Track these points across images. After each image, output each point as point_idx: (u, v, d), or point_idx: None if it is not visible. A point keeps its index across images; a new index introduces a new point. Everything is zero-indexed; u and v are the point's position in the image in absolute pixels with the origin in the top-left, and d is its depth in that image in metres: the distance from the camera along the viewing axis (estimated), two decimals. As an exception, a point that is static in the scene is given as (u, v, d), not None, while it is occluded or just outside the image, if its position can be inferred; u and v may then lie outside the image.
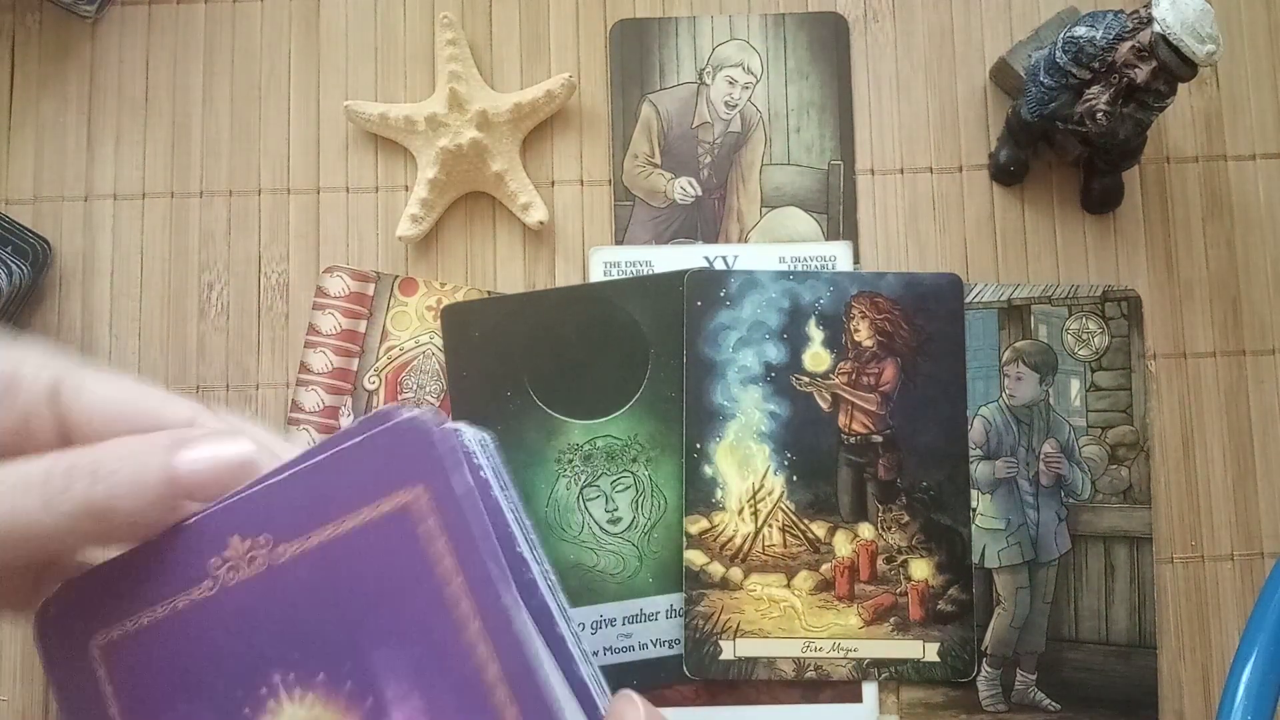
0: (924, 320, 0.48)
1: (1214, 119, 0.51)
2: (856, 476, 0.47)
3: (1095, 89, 0.44)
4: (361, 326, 0.49)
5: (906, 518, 0.47)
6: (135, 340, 0.50)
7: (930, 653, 0.46)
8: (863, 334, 0.48)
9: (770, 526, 0.46)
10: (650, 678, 0.46)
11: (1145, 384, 0.48)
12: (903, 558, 0.47)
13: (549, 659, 0.20)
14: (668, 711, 0.46)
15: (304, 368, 0.49)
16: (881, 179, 0.51)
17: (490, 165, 0.49)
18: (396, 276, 0.50)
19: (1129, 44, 0.43)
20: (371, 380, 0.49)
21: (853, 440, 0.47)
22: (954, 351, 0.48)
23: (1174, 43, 0.41)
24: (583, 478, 0.47)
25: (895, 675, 0.46)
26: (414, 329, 0.49)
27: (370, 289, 0.50)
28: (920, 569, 0.47)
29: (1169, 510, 0.48)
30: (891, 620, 0.46)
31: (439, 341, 0.49)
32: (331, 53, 0.52)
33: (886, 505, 0.47)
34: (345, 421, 0.48)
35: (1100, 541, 0.47)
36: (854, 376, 0.48)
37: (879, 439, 0.47)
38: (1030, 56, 0.48)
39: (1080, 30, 0.44)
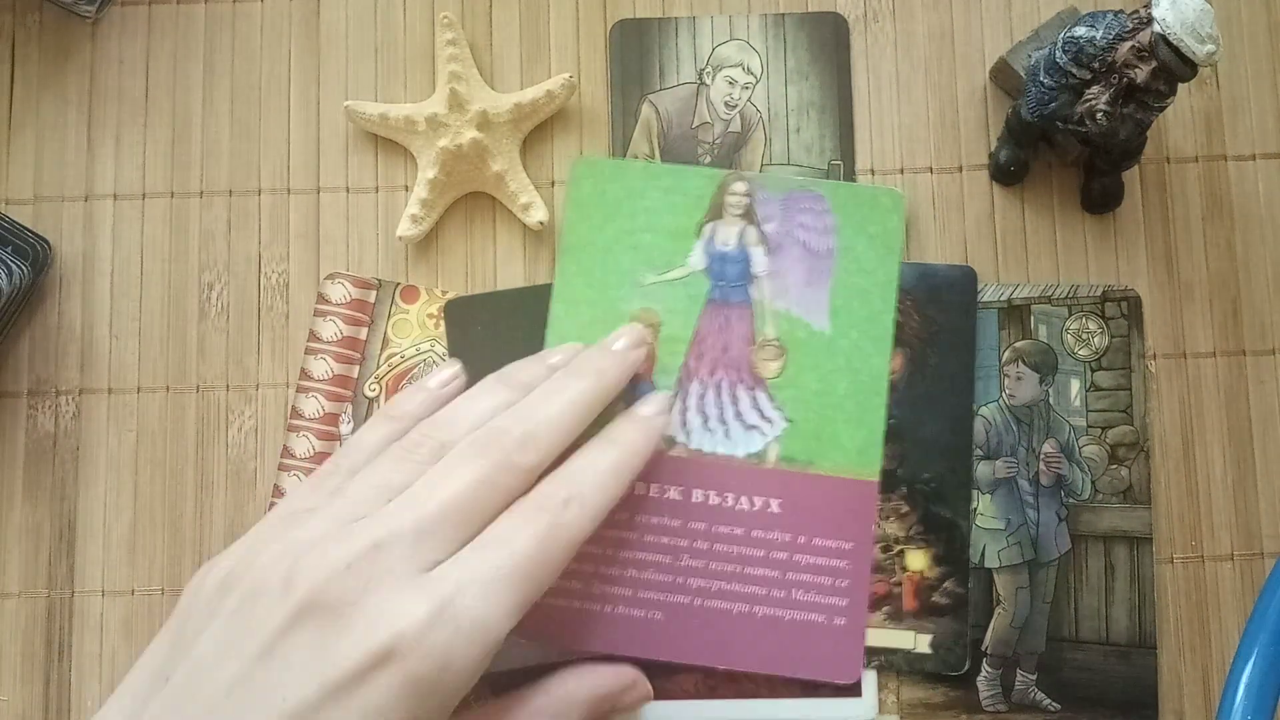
0: (935, 311, 0.48)
1: (1214, 119, 0.51)
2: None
3: (1095, 89, 0.44)
4: (362, 334, 0.49)
5: (906, 508, 0.47)
6: (135, 340, 0.50)
7: (922, 644, 0.46)
8: (865, 331, 0.48)
9: (770, 526, 0.47)
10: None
11: (1145, 384, 0.49)
12: (900, 548, 0.47)
13: None
14: (667, 705, 0.46)
15: (304, 374, 0.49)
16: (881, 179, 0.51)
17: (490, 165, 0.49)
18: (398, 284, 0.50)
19: (1129, 44, 0.43)
20: (372, 387, 0.49)
21: (853, 440, 0.47)
22: (963, 345, 0.48)
23: (1174, 43, 0.41)
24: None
25: (886, 664, 0.46)
26: (415, 336, 0.49)
27: (371, 296, 0.50)
28: (917, 560, 0.47)
29: (1169, 510, 0.48)
30: (884, 609, 0.46)
31: (440, 349, 0.49)
32: (331, 53, 0.52)
33: (886, 495, 0.47)
34: (345, 429, 0.48)
35: (1100, 541, 0.47)
36: (855, 374, 0.48)
37: (880, 437, 0.48)
38: (1030, 56, 0.48)
39: (1080, 30, 0.44)
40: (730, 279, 0.47)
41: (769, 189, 0.48)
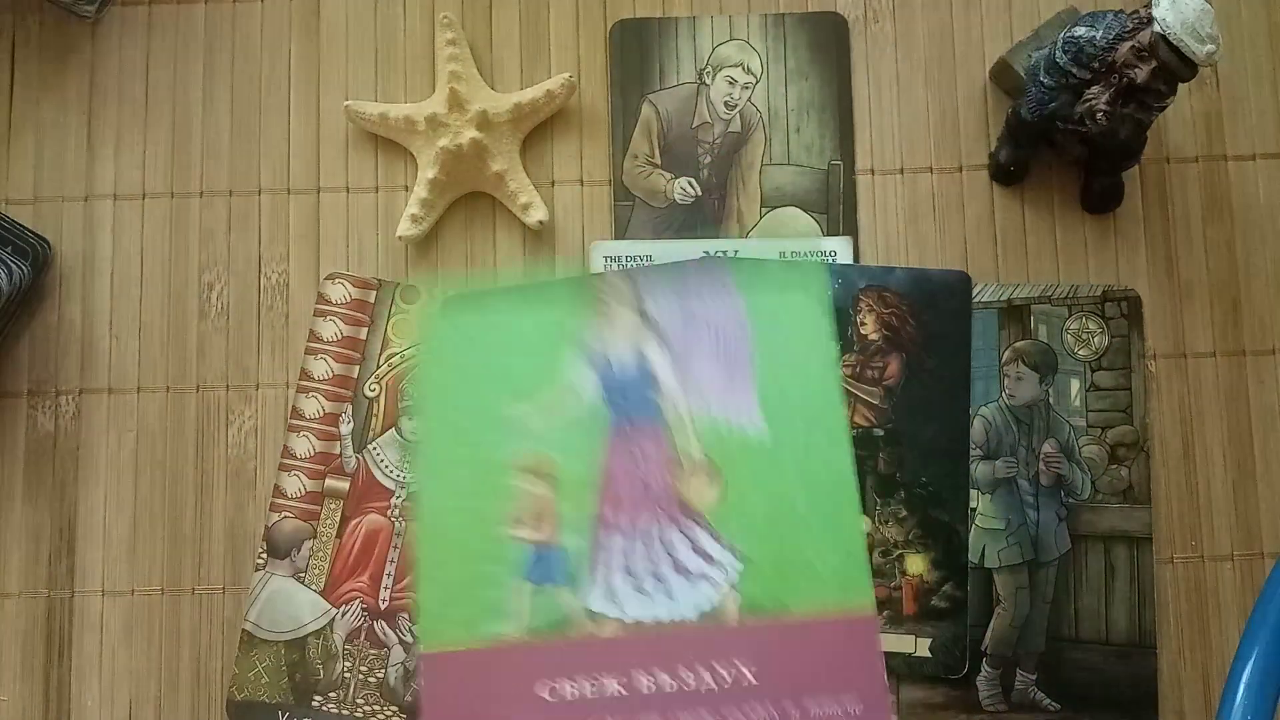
0: (931, 316, 0.48)
1: (1214, 119, 0.51)
2: (856, 469, 0.47)
3: (1095, 89, 0.44)
4: (363, 334, 0.49)
5: (904, 512, 0.47)
6: (135, 340, 0.50)
7: (922, 648, 0.46)
8: (869, 327, 0.48)
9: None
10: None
11: (1145, 384, 0.48)
12: (899, 552, 0.47)
13: None
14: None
15: (304, 374, 0.49)
16: (881, 179, 0.51)
17: (490, 165, 0.49)
18: (398, 284, 0.50)
19: (1129, 44, 0.43)
20: (372, 388, 0.49)
21: (854, 433, 0.47)
22: (959, 349, 0.48)
23: (1174, 43, 0.41)
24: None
25: (887, 668, 0.46)
26: (415, 336, 0.49)
27: (372, 296, 0.50)
28: (915, 564, 0.47)
29: (1169, 510, 0.48)
30: (884, 614, 0.46)
31: (439, 342, 0.49)
32: (331, 53, 0.52)
33: (885, 499, 0.47)
34: (345, 429, 0.48)
35: (1100, 541, 0.47)
36: (858, 369, 0.48)
37: (880, 433, 0.47)
38: (1030, 56, 0.48)
39: (1080, 30, 0.44)
40: (631, 399, 0.37)
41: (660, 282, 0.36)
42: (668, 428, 0.36)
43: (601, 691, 0.34)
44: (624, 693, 0.34)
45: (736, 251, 0.49)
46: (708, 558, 0.36)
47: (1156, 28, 0.41)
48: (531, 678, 0.33)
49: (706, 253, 0.48)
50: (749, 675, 0.34)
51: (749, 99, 0.51)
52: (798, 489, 0.37)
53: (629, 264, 0.45)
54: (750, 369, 0.37)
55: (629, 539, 0.36)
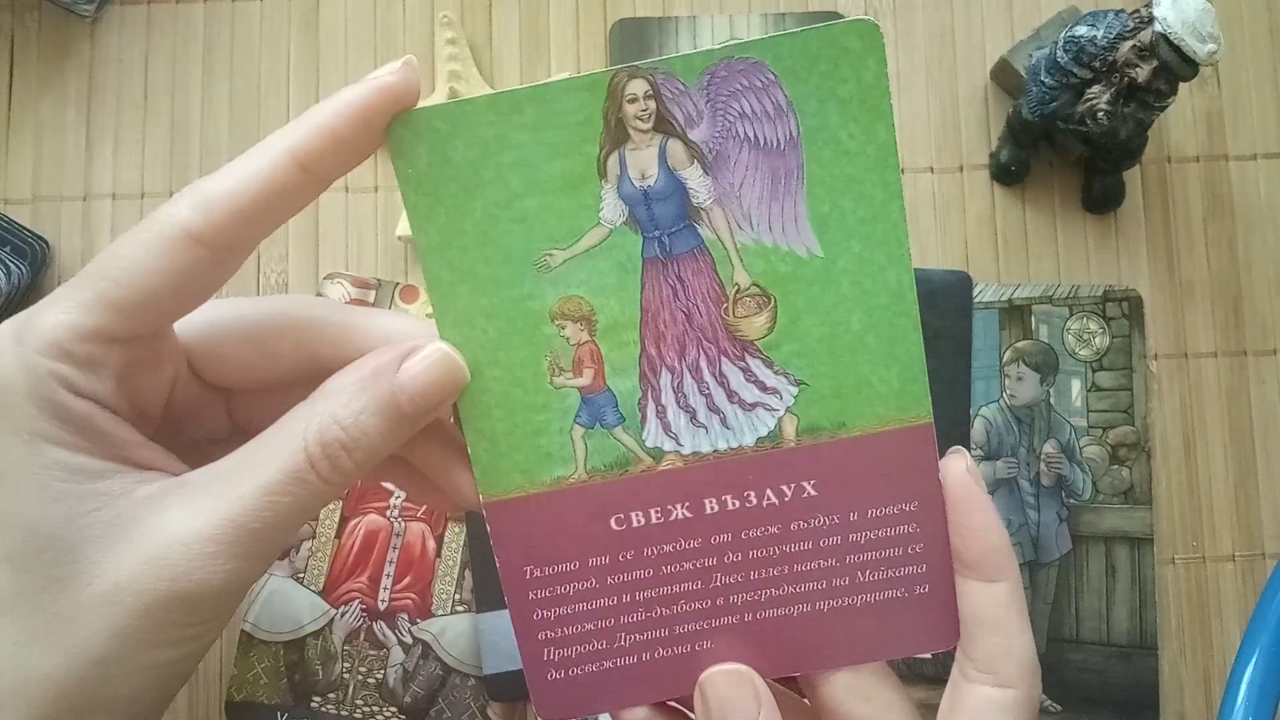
0: (931, 317, 0.48)
1: (1215, 119, 0.51)
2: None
3: (1096, 89, 0.44)
4: (361, 327, 0.49)
5: (907, 517, 0.47)
6: (134, 340, 0.50)
7: None
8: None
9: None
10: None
11: (1146, 384, 0.48)
12: (903, 557, 0.46)
13: None
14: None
15: (303, 368, 0.49)
16: (882, 179, 0.51)
17: (490, 165, 0.49)
18: (398, 284, 0.50)
19: (1130, 43, 0.43)
20: (371, 381, 0.49)
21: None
22: (960, 350, 0.48)
23: (1175, 42, 0.41)
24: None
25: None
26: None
27: (371, 296, 0.49)
28: (920, 569, 0.46)
29: (1170, 511, 0.48)
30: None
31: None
32: (331, 53, 0.52)
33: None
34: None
35: (1101, 542, 0.47)
36: (855, 376, 0.48)
37: (879, 439, 0.47)
38: (1031, 56, 0.47)
39: (1081, 30, 0.44)
40: (666, 223, 0.34)
41: (680, 77, 0.33)
42: (710, 254, 0.35)
43: (668, 517, 0.36)
44: (690, 515, 0.36)
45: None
46: (763, 386, 0.36)
47: (1157, 27, 0.41)
48: (597, 513, 0.35)
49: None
50: (810, 489, 0.35)
51: (749, 99, 0.51)
52: (853, 308, 0.36)
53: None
54: (800, 180, 0.34)
55: (677, 375, 0.36)
